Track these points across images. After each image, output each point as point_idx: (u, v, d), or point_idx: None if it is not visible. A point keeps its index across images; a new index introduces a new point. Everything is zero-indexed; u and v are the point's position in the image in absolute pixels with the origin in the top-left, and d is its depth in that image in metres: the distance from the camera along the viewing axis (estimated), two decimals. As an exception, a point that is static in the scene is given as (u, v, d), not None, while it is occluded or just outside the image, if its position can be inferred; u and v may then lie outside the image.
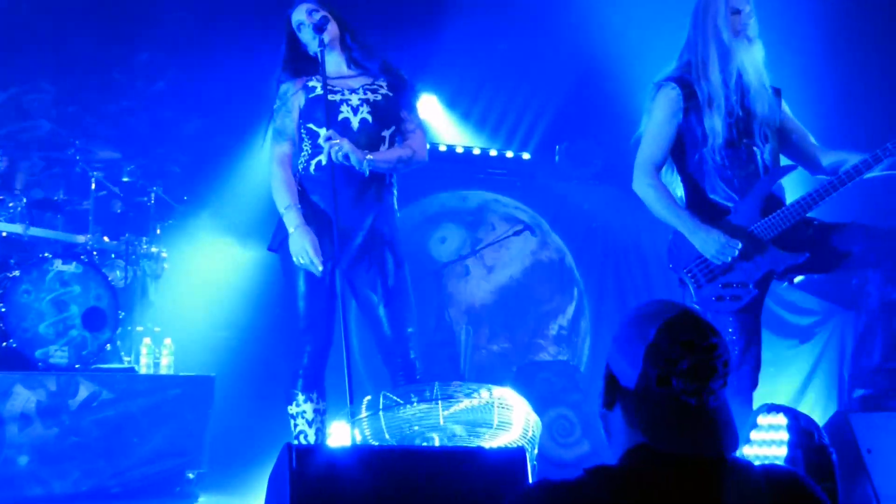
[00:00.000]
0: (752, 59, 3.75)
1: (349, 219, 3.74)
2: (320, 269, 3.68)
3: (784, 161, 3.86)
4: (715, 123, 3.70)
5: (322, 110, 3.79)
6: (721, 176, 3.74)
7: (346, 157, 3.66)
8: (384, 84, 3.96)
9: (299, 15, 3.96)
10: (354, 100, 3.84)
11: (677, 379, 1.64)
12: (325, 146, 3.65)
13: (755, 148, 3.75)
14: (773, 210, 3.69)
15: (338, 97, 3.84)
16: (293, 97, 3.92)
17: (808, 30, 6.50)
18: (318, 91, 3.86)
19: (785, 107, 3.90)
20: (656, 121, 3.81)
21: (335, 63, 3.97)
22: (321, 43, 3.83)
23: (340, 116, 3.82)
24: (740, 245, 3.59)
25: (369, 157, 3.73)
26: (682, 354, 1.64)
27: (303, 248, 3.66)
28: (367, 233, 3.81)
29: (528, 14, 7.88)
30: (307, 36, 3.93)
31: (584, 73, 7.85)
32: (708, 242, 3.62)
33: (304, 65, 4.00)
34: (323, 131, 3.74)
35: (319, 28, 3.84)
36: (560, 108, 8.29)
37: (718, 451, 1.64)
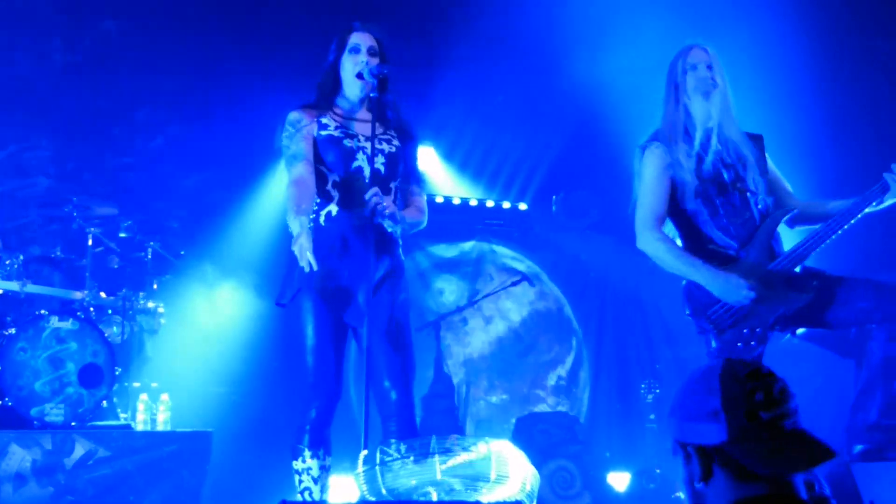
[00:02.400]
0: (719, 112, 3.80)
1: (365, 271, 3.61)
2: (316, 267, 3.52)
3: None
4: (685, 177, 3.75)
5: (334, 153, 3.74)
6: (717, 225, 3.77)
7: (393, 216, 3.59)
8: (394, 135, 3.90)
9: (361, 40, 3.85)
10: (370, 148, 3.72)
11: (763, 410, 1.70)
12: (371, 202, 3.53)
13: (748, 194, 3.78)
14: (778, 253, 3.72)
15: (353, 143, 3.78)
16: (307, 126, 3.79)
17: (797, 70, 6.58)
18: (332, 132, 3.78)
19: (766, 155, 3.94)
20: (649, 178, 3.84)
21: (353, 102, 3.89)
22: (374, 89, 3.74)
23: (354, 164, 3.75)
24: (756, 286, 3.60)
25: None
26: (753, 387, 1.71)
27: (303, 249, 3.45)
28: (379, 285, 3.75)
29: (524, 66, 7.96)
30: (350, 63, 3.82)
31: (581, 125, 7.91)
32: (728, 287, 3.62)
33: (329, 97, 3.89)
34: (334, 177, 3.73)
35: (378, 78, 3.74)
36: (556, 158, 8.35)
37: (832, 455, 1.72)
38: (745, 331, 3.66)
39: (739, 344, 3.65)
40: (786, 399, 1.73)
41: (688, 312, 3.81)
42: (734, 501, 1.70)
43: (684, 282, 3.80)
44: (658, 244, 3.77)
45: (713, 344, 3.71)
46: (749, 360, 1.79)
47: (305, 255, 3.43)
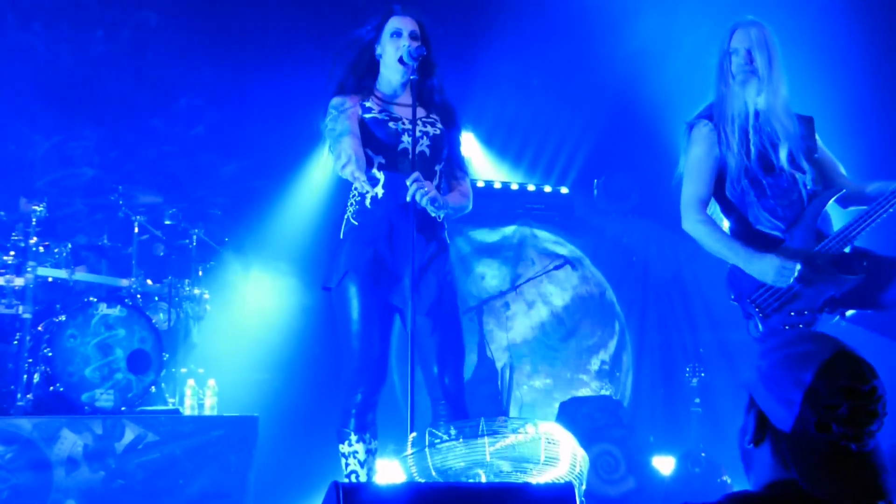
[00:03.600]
0: (758, 98, 3.76)
1: (411, 253, 3.57)
2: (370, 188, 3.59)
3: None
4: (732, 158, 3.71)
5: (379, 136, 3.72)
6: (764, 206, 3.72)
7: (434, 200, 3.55)
8: (438, 118, 3.89)
9: (402, 24, 3.83)
10: (414, 130, 3.68)
11: (837, 425, 1.58)
12: (412, 188, 3.51)
13: (797, 175, 3.73)
14: (826, 234, 3.67)
15: (398, 126, 3.76)
16: (351, 108, 3.76)
17: (847, 48, 6.47)
18: (376, 115, 3.77)
19: (817, 136, 3.89)
20: (695, 157, 3.80)
21: (395, 86, 3.87)
22: (413, 71, 3.72)
23: (400, 146, 3.73)
24: (799, 266, 3.55)
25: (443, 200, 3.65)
26: (842, 401, 1.58)
27: (354, 172, 3.50)
28: (425, 267, 3.74)
29: (563, 49, 7.90)
30: (392, 47, 3.80)
31: (621, 107, 7.85)
32: (765, 268, 3.58)
33: (365, 80, 3.87)
34: (379, 159, 3.71)
35: (418, 61, 3.70)
36: (597, 142, 8.30)
37: (884, 497, 1.58)
38: (791, 314, 3.61)
39: (786, 327, 3.61)
40: (870, 422, 1.59)
41: (732, 297, 3.77)
42: (775, 481, 1.63)
43: (728, 266, 3.77)
44: (699, 226, 3.74)
45: (759, 328, 3.66)
46: (862, 365, 1.61)
47: (358, 175, 3.46)
